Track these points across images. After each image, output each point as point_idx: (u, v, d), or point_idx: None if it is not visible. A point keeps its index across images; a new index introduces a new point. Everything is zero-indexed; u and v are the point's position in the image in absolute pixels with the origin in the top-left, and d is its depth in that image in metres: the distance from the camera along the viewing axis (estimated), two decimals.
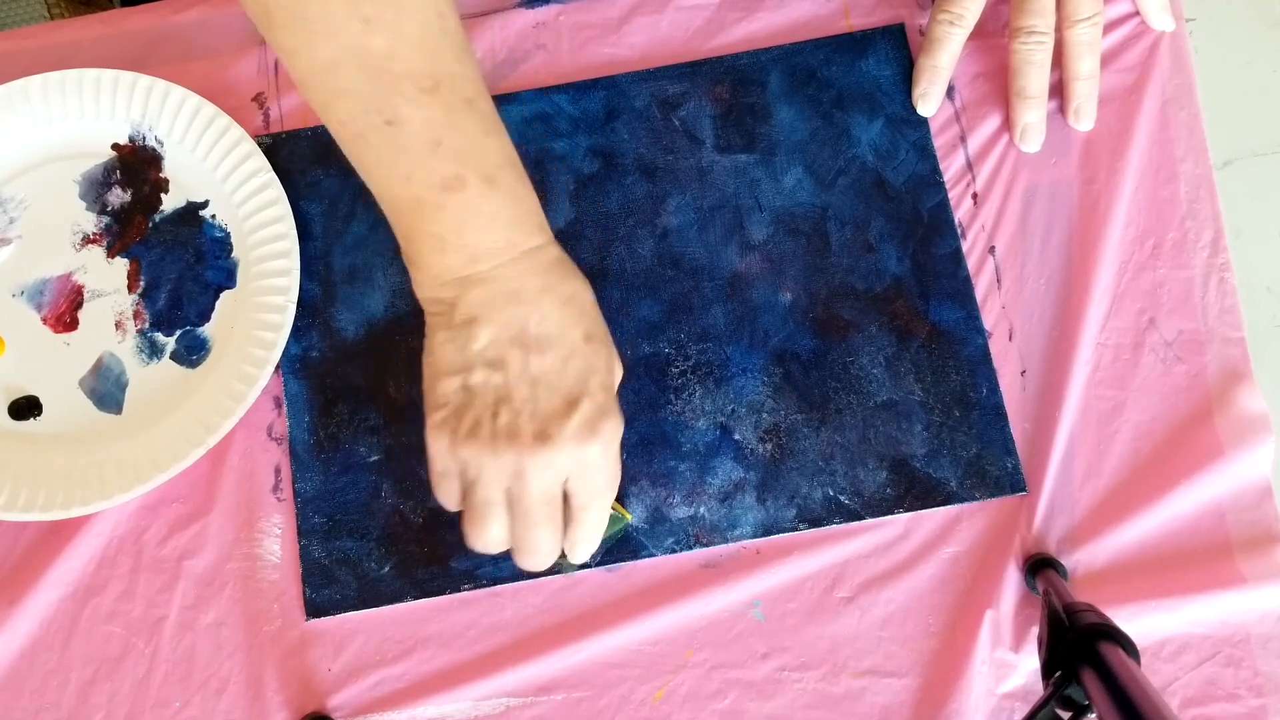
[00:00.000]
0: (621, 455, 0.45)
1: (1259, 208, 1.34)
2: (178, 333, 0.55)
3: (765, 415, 0.53)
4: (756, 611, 0.52)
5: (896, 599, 0.52)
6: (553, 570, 0.51)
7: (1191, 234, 0.55)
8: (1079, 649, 0.44)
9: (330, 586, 0.52)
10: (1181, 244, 0.55)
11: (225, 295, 0.55)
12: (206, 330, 0.55)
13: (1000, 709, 0.50)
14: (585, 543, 0.45)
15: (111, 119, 0.57)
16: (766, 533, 0.52)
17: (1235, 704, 0.50)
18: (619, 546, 0.52)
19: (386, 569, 0.52)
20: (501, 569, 0.52)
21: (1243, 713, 0.50)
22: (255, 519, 0.53)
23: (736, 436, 0.53)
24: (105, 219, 0.56)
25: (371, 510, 0.53)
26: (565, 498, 0.44)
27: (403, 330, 0.55)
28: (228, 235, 0.56)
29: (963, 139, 0.56)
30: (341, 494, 0.53)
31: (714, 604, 0.52)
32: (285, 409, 0.54)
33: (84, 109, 0.57)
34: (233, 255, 0.56)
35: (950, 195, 0.55)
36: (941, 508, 0.52)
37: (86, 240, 0.56)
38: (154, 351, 0.55)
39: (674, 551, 0.52)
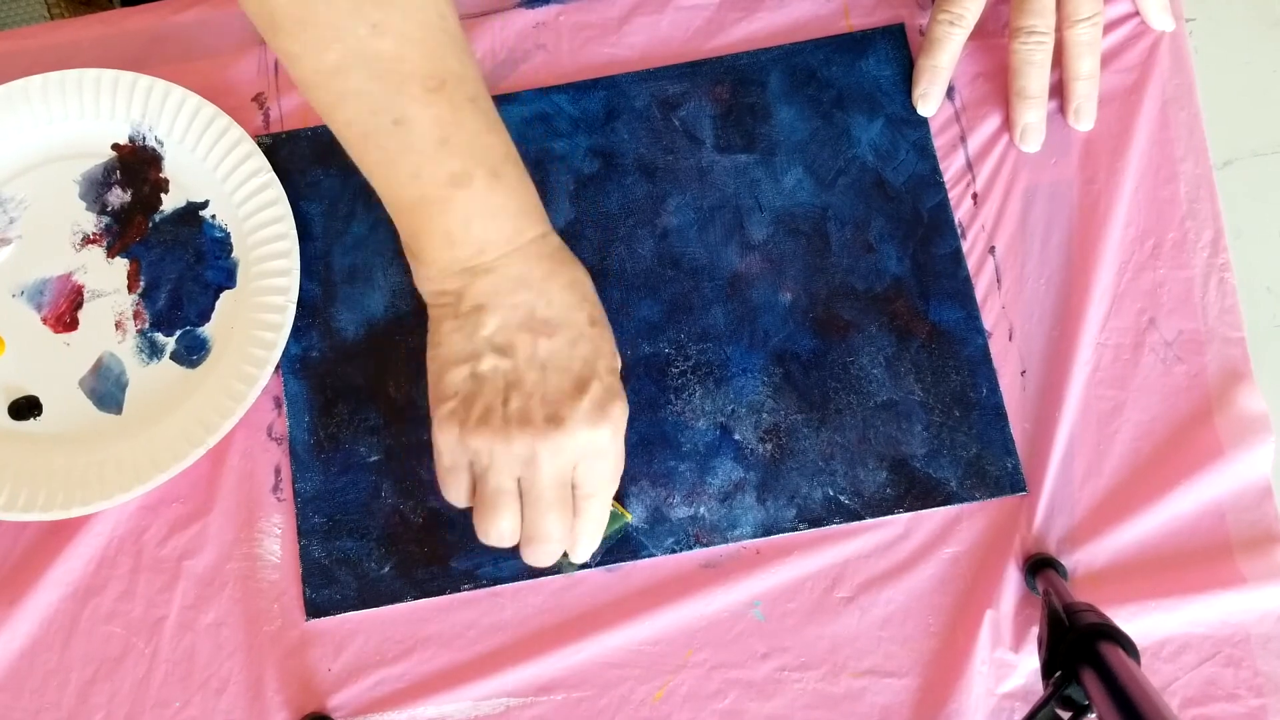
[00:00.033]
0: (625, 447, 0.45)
1: (1259, 208, 1.34)
2: (178, 333, 0.55)
3: (765, 415, 0.53)
4: (756, 611, 0.52)
5: (896, 599, 0.52)
6: (553, 570, 0.51)
7: (1191, 234, 0.55)
8: (1079, 649, 0.44)
9: (330, 586, 0.52)
10: (1181, 244, 0.55)
11: (225, 295, 0.55)
12: (206, 330, 0.55)
13: (1000, 709, 0.50)
14: (588, 536, 0.45)
15: (111, 119, 0.57)
16: (766, 533, 0.52)
17: (1235, 704, 0.50)
18: (619, 546, 0.52)
19: (386, 569, 0.52)
20: (501, 569, 0.52)
21: (1243, 713, 0.50)
22: (255, 519, 0.53)
23: (736, 436, 0.53)
24: (105, 219, 0.56)
25: (371, 510, 0.53)
26: (571, 488, 0.44)
27: (403, 330, 0.55)
28: (228, 235, 0.56)
29: (963, 139, 0.56)
30: (341, 494, 0.53)
31: (714, 604, 0.52)
32: (285, 409, 0.54)
33: (84, 109, 0.57)
34: (233, 255, 0.56)
35: (950, 195, 0.55)
36: (941, 508, 0.52)
37: (86, 240, 0.56)
38: (154, 351, 0.55)
39: (674, 551, 0.52)
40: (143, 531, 0.53)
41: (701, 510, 0.52)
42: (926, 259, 0.55)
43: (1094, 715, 0.42)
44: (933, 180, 0.56)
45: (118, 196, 0.57)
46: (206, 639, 0.52)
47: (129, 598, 0.52)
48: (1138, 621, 0.50)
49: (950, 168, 0.56)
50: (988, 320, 0.54)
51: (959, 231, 0.55)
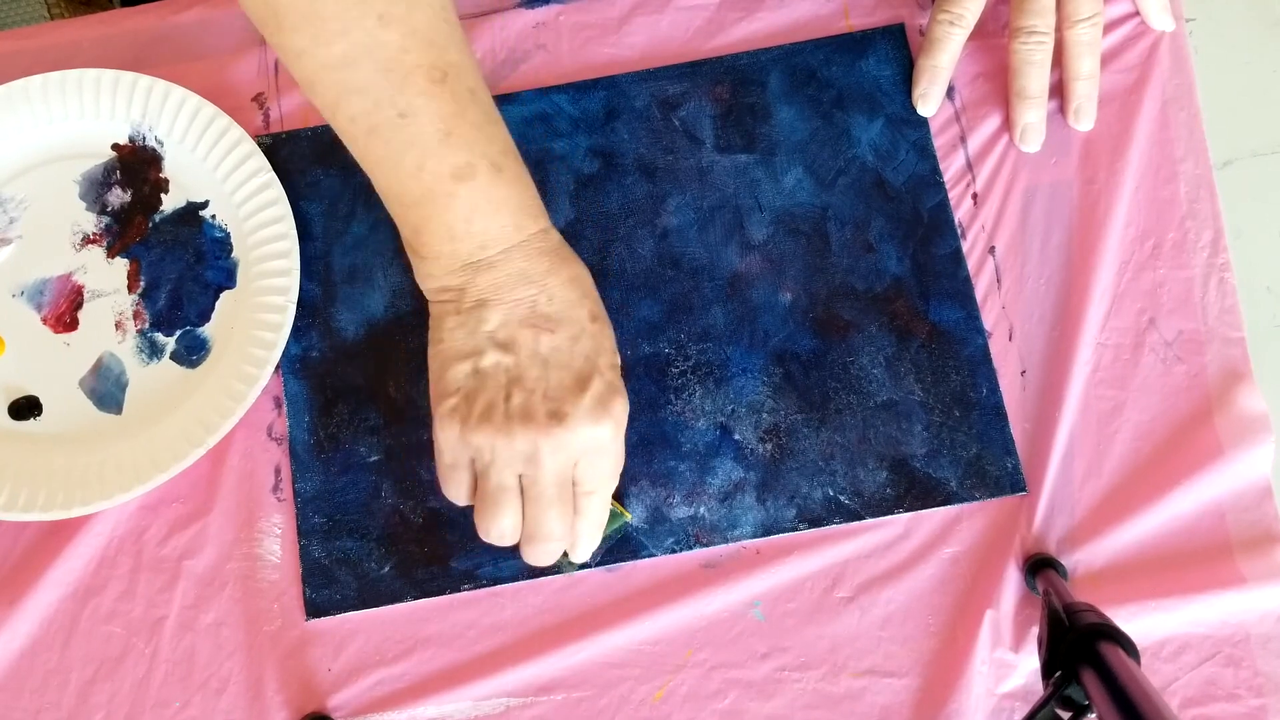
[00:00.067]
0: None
1: (1259, 208, 1.34)
2: (178, 333, 0.55)
3: (765, 415, 0.53)
4: (756, 611, 0.52)
5: (896, 599, 0.52)
6: (553, 570, 0.51)
7: (1191, 234, 0.55)
8: (1079, 649, 0.44)
9: (330, 586, 0.52)
10: (1181, 244, 0.55)
11: (225, 295, 0.55)
12: (206, 330, 0.55)
13: (1000, 709, 0.50)
14: (588, 535, 0.45)
15: (111, 119, 0.57)
16: (766, 533, 0.52)
17: (1235, 704, 0.50)
18: (619, 546, 0.52)
19: (386, 569, 0.52)
20: (501, 569, 0.52)
21: (1243, 713, 0.50)
22: (255, 519, 0.53)
23: (736, 436, 0.53)
24: (105, 219, 0.56)
25: (371, 510, 0.53)
26: (572, 486, 0.44)
27: (403, 330, 0.55)
28: (228, 235, 0.56)
29: (963, 139, 0.56)
30: (341, 494, 0.53)
31: (714, 604, 0.52)
32: (285, 409, 0.54)
33: (84, 109, 0.57)
34: (233, 255, 0.56)
35: (950, 195, 0.55)
36: (941, 508, 0.52)
37: (86, 240, 0.56)
38: (154, 351, 0.55)
39: (674, 551, 0.52)
40: (143, 531, 0.53)
41: (701, 510, 0.52)
42: (926, 259, 0.55)
43: (1094, 715, 0.42)
44: (933, 180, 0.56)
45: (118, 196, 0.57)
46: (206, 639, 0.52)
47: (129, 598, 0.52)
48: (1138, 621, 0.50)
49: (950, 168, 0.56)
50: (988, 320, 0.54)
51: (959, 231, 0.55)
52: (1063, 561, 0.51)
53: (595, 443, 0.43)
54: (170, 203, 0.56)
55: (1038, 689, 0.50)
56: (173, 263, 0.56)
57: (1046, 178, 0.56)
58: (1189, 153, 0.56)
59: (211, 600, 0.52)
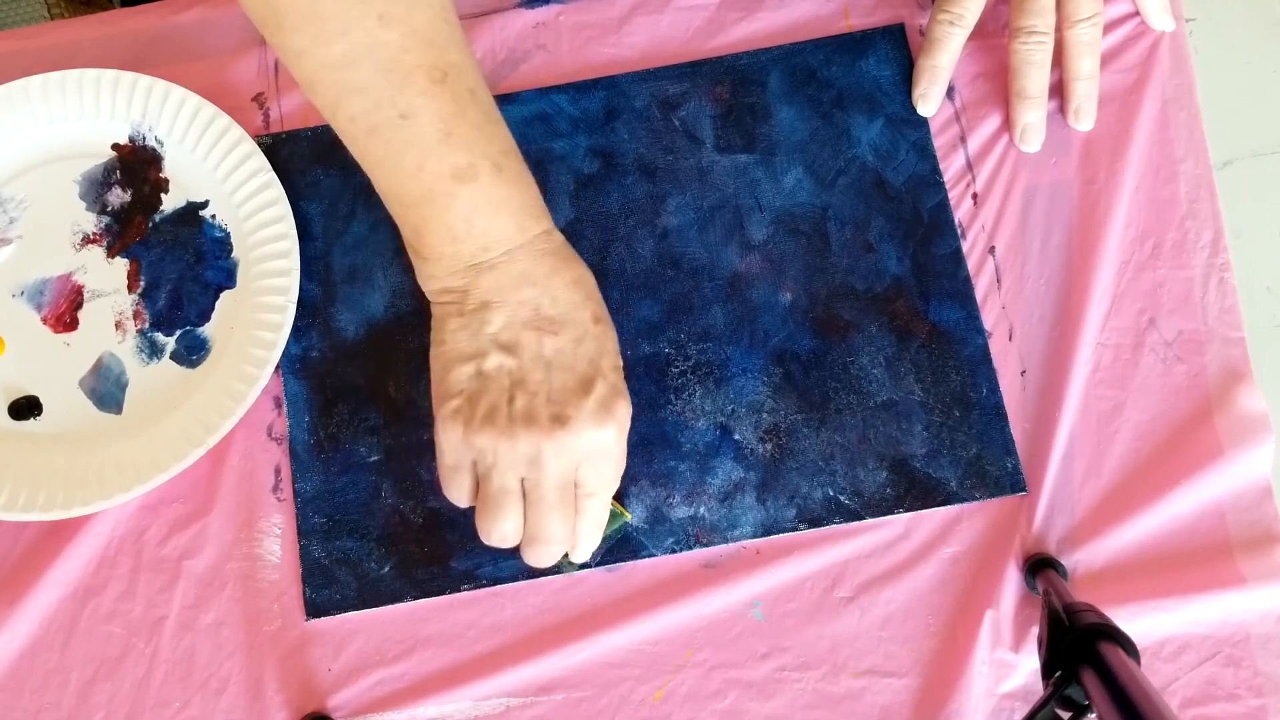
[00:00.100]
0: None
1: (1259, 208, 1.34)
2: (178, 333, 0.55)
3: (765, 415, 0.53)
4: (756, 611, 0.52)
5: (896, 599, 0.52)
6: (553, 570, 0.51)
7: (1191, 234, 0.55)
8: (1079, 649, 0.44)
9: (330, 586, 0.52)
10: (1181, 244, 0.55)
11: (225, 295, 0.55)
12: (206, 330, 0.55)
13: (1000, 709, 0.50)
14: (589, 535, 0.45)
15: (111, 119, 0.57)
16: (766, 533, 0.52)
17: (1235, 704, 0.50)
18: (619, 546, 0.52)
19: (386, 569, 0.52)
20: (501, 569, 0.52)
21: (1243, 713, 0.50)
22: (255, 519, 0.53)
23: (736, 436, 0.53)
24: (105, 219, 0.56)
25: (371, 510, 0.53)
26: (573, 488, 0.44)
27: (403, 330, 0.55)
28: (228, 235, 0.56)
29: (963, 139, 0.56)
30: (341, 494, 0.53)
31: (714, 604, 0.52)
32: (285, 409, 0.54)
33: (84, 109, 0.57)
34: (233, 255, 0.56)
35: (950, 195, 0.55)
36: (941, 508, 0.52)
37: (86, 240, 0.56)
38: (154, 351, 0.55)
39: (674, 551, 0.52)
40: (143, 531, 0.53)
41: (701, 510, 0.52)
42: (926, 259, 0.55)
43: (1094, 715, 0.42)
44: (933, 180, 0.56)
45: (118, 196, 0.57)
46: (206, 639, 0.52)
47: (129, 598, 0.52)
48: (1138, 621, 0.50)
49: (950, 168, 0.56)
50: (988, 320, 0.54)
51: (959, 231, 0.55)
52: (1063, 561, 0.51)
53: (598, 445, 0.43)
54: (170, 203, 0.56)
55: (1038, 689, 0.50)
56: (173, 263, 0.56)
57: (1046, 178, 0.56)
58: (1189, 153, 0.56)
59: (211, 600, 0.52)
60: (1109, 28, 0.56)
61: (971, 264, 0.55)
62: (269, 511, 0.53)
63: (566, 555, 0.46)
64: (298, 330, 0.55)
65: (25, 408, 0.54)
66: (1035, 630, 0.50)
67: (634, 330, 0.54)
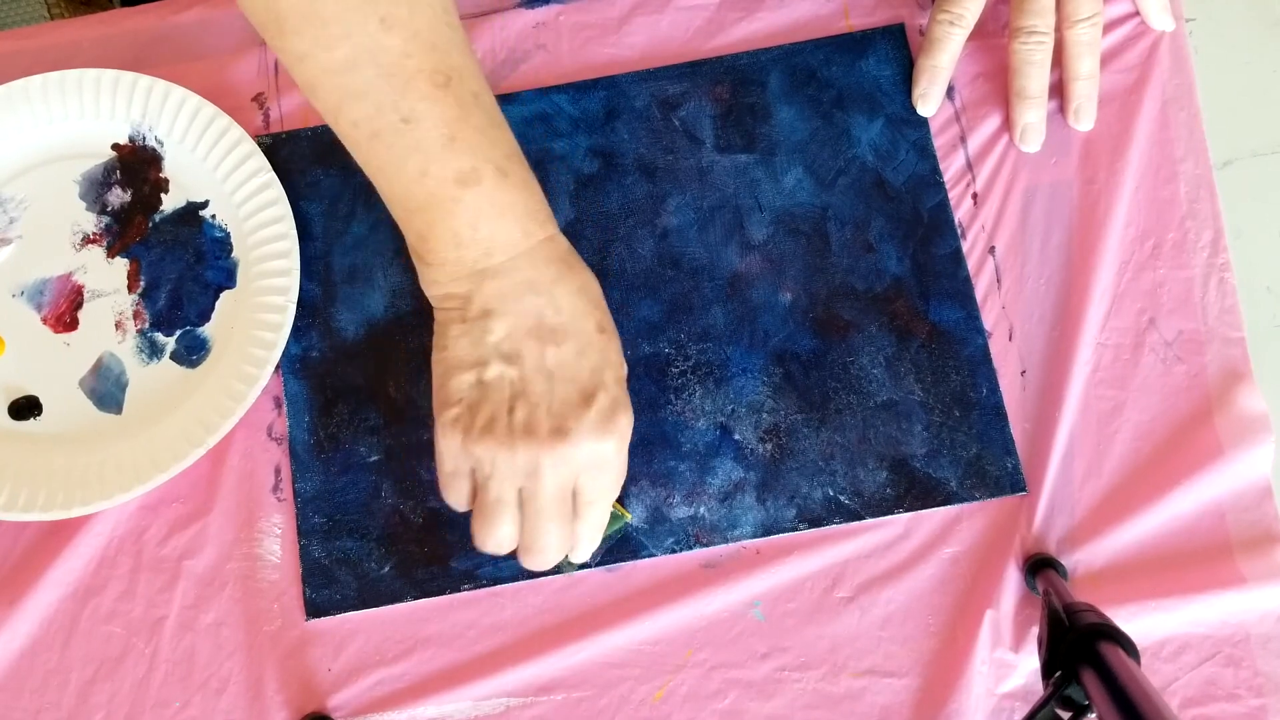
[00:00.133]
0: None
1: (1259, 208, 1.34)
2: (178, 333, 0.55)
3: (765, 415, 0.53)
4: (756, 611, 0.52)
5: (896, 599, 0.52)
6: (553, 570, 0.51)
7: (1191, 234, 0.55)
8: (1079, 649, 0.44)
9: (330, 586, 0.52)
10: (1181, 244, 0.55)
11: (225, 295, 0.55)
12: (206, 330, 0.55)
13: (1000, 709, 0.50)
14: (588, 539, 0.45)
15: (111, 119, 0.57)
16: (766, 533, 0.52)
17: (1235, 704, 0.50)
18: (619, 546, 0.52)
19: (386, 569, 0.52)
20: (501, 569, 0.52)
21: (1243, 713, 0.50)
22: (255, 519, 0.53)
23: (736, 436, 0.53)
24: (105, 219, 0.56)
25: (371, 510, 0.53)
26: (573, 495, 0.44)
27: (403, 330, 0.55)
28: (228, 235, 0.56)
29: (963, 139, 0.56)
30: (341, 494, 0.53)
31: (714, 604, 0.52)
32: (285, 409, 0.54)
33: (84, 109, 0.57)
34: (233, 255, 0.56)
35: (950, 195, 0.55)
36: (941, 508, 0.52)
37: (86, 240, 0.56)
38: (154, 351, 0.55)
39: (674, 551, 0.52)
40: (143, 531, 0.53)
41: (701, 510, 0.52)
42: (926, 259, 0.55)
43: (1094, 715, 0.42)
44: (933, 180, 0.56)
45: (118, 196, 0.57)
46: (206, 639, 0.52)
47: (129, 598, 0.52)
48: (1138, 621, 0.50)
49: (950, 168, 0.56)
50: (988, 320, 0.54)
51: (959, 231, 0.55)
52: (1063, 561, 0.51)
53: (598, 457, 0.43)
54: (170, 203, 0.56)
55: (1038, 689, 0.50)
56: (173, 263, 0.56)
57: (1046, 178, 0.56)
58: (1189, 153, 0.56)
59: (211, 600, 0.52)
60: (1109, 28, 0.56)
61: (971, 264, 0.55)
62: (269, 511, 0.53)
63: (566, 556, 0.46)
64: (298, 330, 0.55)
65: (25, 408, 0.54)
66: (1035, 630, 0.50)
67: (634, 330, 0.54)
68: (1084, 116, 0.55)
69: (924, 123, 0.56)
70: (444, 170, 0.42)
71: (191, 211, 0.56)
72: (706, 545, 0.52)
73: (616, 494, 0.45)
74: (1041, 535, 0.51)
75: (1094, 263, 0.54)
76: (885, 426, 0.53)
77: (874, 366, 0.53)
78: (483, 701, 0.51)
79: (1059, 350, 0.53)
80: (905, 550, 0.52)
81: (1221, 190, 0.55)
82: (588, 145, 0.57)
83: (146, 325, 0.55)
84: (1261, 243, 1.33)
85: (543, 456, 0.42)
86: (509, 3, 0.59)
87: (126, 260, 0.56)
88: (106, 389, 0.54)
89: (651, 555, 0.52)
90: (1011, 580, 0.51)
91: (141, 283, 0.56)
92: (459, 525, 0.52)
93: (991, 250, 0.55)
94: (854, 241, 0.55)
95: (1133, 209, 0.55)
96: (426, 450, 0.53)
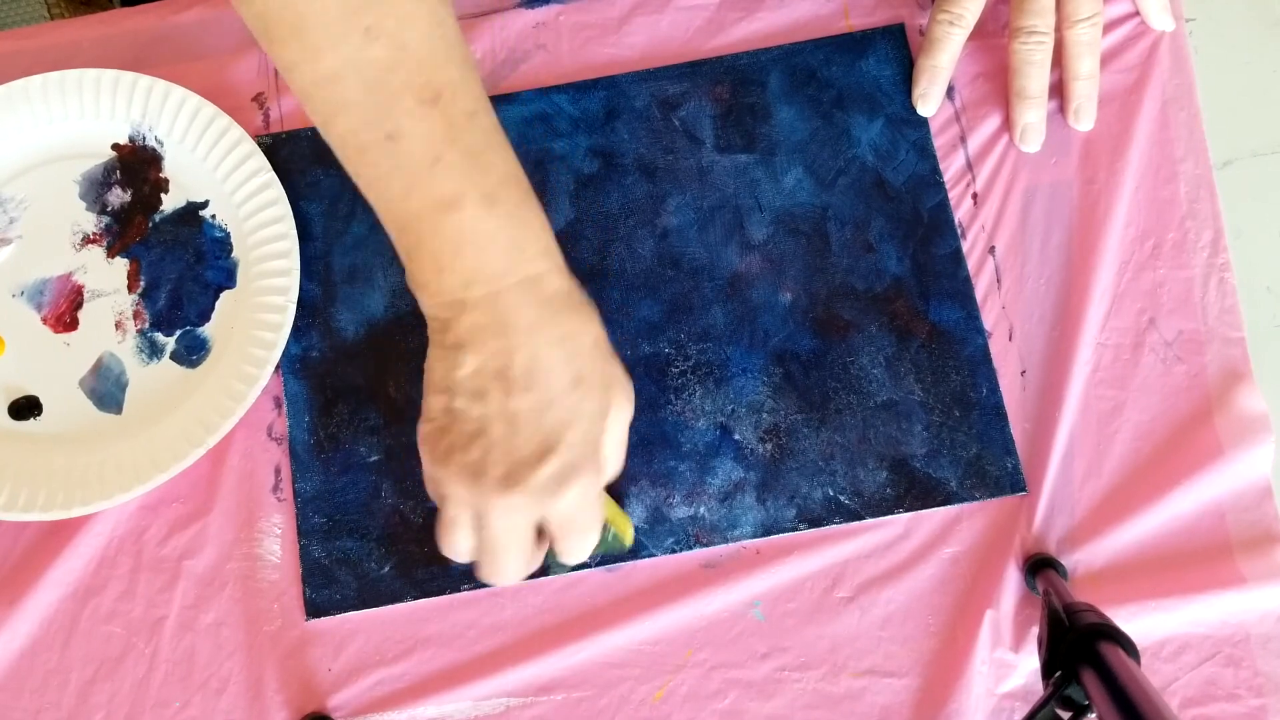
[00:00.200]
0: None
1: (1259, 208, 1.34)
2: (178, 333, 0.55)
3: (765, 415, 0.53)
4: (756, 611, 0.52)
5: (896, 599, 0.52)
6: (544, 570, 0.51)
7: (1191, 234, 0.55)
8: (1079, 649, 0.44)
9: (330, 586, 0.52)
10: (1181, 244, 0.55)
11: (225, 295, 0.55)
12: (206, 330, 0.55)
13: (1000, 709, 0.50)
14: (569, 556, 0.44)
15: (111, 119, 0.57)
16: (766, 533, 0.52)
17: (1235, 704, 0.50)
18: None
19: (386, 569, 0.52)
20: None
21: (1243, 713, 0.50)
22: (255, 519, 0.53)
23: (736, 436, 0.53)
24: (105, 219, 0.56)
25: (371, 510, 0.53)
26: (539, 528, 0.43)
27: (403, 330, 0.55)
28: (228, 235, 0.56)
29: (963, 139, 0.56)
30: (341, 494, 0.53)
31: (714, 604, 0.52)
32: (285, 409, 0.54)
33: (84, 109, 0.57)
34: (233, 255, 0.56)
35: (950, 195, 0.55)
36: (941, 508, 0.52)
37: (86, 240, 0.56)
38: (154, 351, 0.55)
39: (674, 551, 0.52)
40: (143, 531, 0.53)
41: (701, 510, 0.52)
42: (926, 259, 0.55)
43: (1094, 715, 0.42)
44: (933, 180, 0.56)
45: (118, 196, 0.57)
46: (206, 639, 0.52)
47: (129, 598, 0.52)
48: (1138, 621, 0.50)
49: (950, 168, 0.56)
50: (988, 320, 0.54)
51: (959, 231, 0.55)
52: (1063, 561, 0.51)
53: (555, 510, 0.42)
54: (170, 203, 0.56)
55: (1038, 689, 0.50)
56: (173, 263, 0.56)
57: (1046, 178, 0.56)
58: (1189, 153, 0.56)
59: (211, 600, 0.52)
60: (1109, 28, 0.56)
61: (971, 264, 0.55)
62: (269, 511, 0.53)
63: (555, 556, 0.45)
64: (298, 330, 0.55)
65: (25, 408, 0.54)
66: (1035, 630, 0.50)
67: (634, 330, 0.54)
68: (1084, 116, 0.55)
69: (924, 123, 0.56)
70: (426, 193, 0.40)
71: (191, 211, 0.56)
72: (706, 545, 0.52)
73: (595, 533, 0.44)
74: (1041, 535, 0.51)
75: (1094, 263, 0.54)
76: (885, 426, 0.53)
77: (874, 366, 0.53)
78: (483, 701, 0.51)
79: (1059, 350, 0.53)
80: (905, 550, 0.52)
81: (1221, 190, 0.55)
82: (588, 145, 0.57)
83: (146, 325, 0.55)
84: (1261, 243, 1.33)
85: (489, 502, 0.41)
86: (509, 3, 0.59)
87: (126, 260, 0.56)
88: (106, 389, 0.54)
89: (651, 555, 0.52)
90: (1011, 580, 0.51)
91: (141, 283, 0.56)
92: None
93: (991, 250, 0.55)
94: (854, 241, 0.55)
95: (1133, 209, 0.55)
96: None
